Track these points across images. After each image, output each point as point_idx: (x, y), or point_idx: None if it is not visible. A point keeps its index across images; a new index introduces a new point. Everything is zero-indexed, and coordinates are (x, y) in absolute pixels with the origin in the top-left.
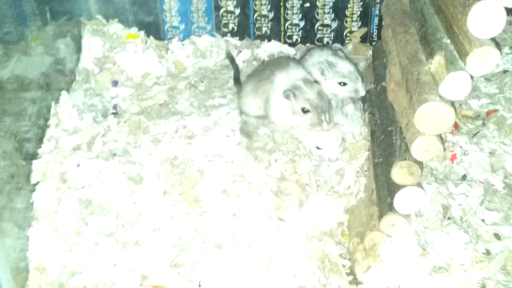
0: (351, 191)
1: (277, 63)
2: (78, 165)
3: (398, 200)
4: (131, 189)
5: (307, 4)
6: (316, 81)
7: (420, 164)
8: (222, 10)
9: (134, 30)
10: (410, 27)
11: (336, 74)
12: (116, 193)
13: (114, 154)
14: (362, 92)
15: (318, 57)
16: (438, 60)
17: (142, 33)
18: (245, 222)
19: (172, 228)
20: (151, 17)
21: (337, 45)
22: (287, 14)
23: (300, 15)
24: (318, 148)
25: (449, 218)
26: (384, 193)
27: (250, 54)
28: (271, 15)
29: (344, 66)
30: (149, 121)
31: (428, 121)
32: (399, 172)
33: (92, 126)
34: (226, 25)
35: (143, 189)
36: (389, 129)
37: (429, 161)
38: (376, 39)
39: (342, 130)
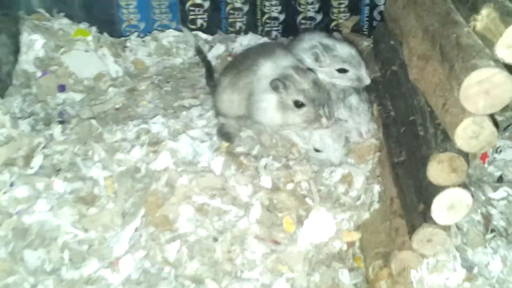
0: (362, 202)
1: (260, 50)
2: (11, 185)
3: (437, 206)
4: (81, 212)
5: None
6: (310, 69)
7: (465, 156)
8: (188, 4)
9: (84, 25)
10: None
11: (334, 59)
12: (61, 218)
13: (59, 170)
14: (367, 80)
15: (310, 41)
16: (487, 14)
17: (93, 29)
18: (229, 248)
19: (134, 260)
20: (105, 15)
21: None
22: (264, 6)
23: (280, 7)
24: (316, 150)
25: (492, 231)
26: (412, 199)
27: (224, 49)
28: (246, 7)
29: (343, 49)
30: (103, 127)
31: (478, 95)
32: (437, 169)
33: (30, 136)
34: (193, 21)
35: (96, 211)
36: (410, 118)
37: (480, 151)
38: (367, 31)
39: (345, 127)
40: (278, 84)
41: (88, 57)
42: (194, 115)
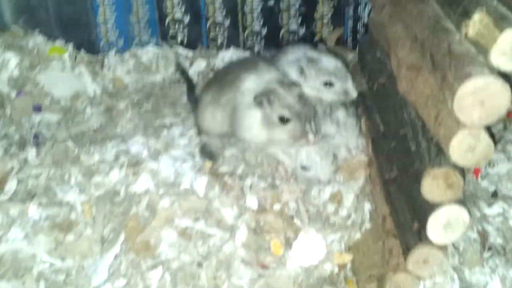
0: (353, 221)
1: (243, 64)
2: None
3: (433, 225)
4: (57, 240)
5: (270, 3)
6: (294, 83)
7: (461, 171)
8: (168, 19)
9: (60, 43)
10: None
11: (320, 72)
12: (36, 246)
13: (33, 195)
14: (354, 93)
15: (295, 54)
16: (479, 19)
17: (70, 46)
18: (215, 274)
19: None
20: (82, 32)
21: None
22: (246, 20)
23: (262, 21)
24: (304, 168)
25: (489, 249)
26: (406, 218)
27: (205, 64)
28: (227, 22)
29: (329, 62)
30: (80, 149)
31: (473, 105)
32: (432, 185)
33: (2, 160)
34: (174, 37)
35: (74, 238)
36: (401, 133)
37: (476, 165)
38: (352, 45)
39: (333, 143)
40: (262, 99)
41: (64, 76)
42: (175, 134)
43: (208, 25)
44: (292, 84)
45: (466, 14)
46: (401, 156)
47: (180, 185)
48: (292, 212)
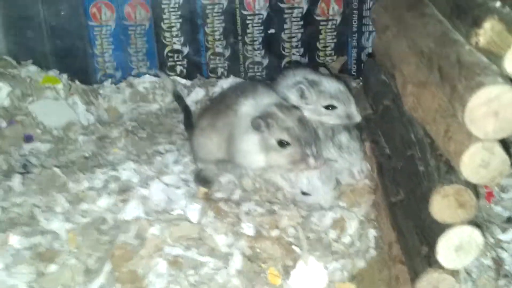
0: (357, 248)
1: (241, 88)
2: None
3: (443, 247)
4: (39, 270)
5: (271, 31)
6: (295, 107)
7: (474, 189)
8: (167, 50)
9: (54, 72)
10: (425, 7)
11: (321, 95)
12: (16, 277)
13: (15, 223)
14: (358, 117)
15: (295, 77)
16: (490, 27)
17: (64, 76)
18: None
19: None
20: (78, 63)
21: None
22: (247, 50)
23: (263, 52)
24: (304, 194)
25: (505, 276)
26: (414, 242)
27: (204, 93)
28: (227, 52)
29: (330, 84)
30: (68, 177)
31: (486, 117)
32: (442, 204)
33: None
34: (173, 68)
35: (56, 269)
36: (408, 153)
37: (490, 182)
38: (355, 74)
39: (335, 167)
40: (260, 122)
41: (57, 105)
42: (169, 160)
43: (208, 56)
44: (292, 107)
45: (476, 24)
46: (408, 178)
47: (171, 212)
48: (291, 238)
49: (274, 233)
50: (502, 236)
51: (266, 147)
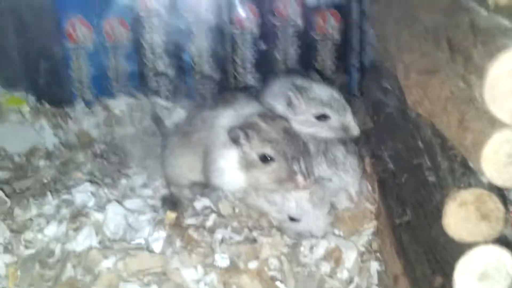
0: (356, 286)
1: (219, 98)
2: None
3: (463, 275)
4: None
5: (263, 47)
6: (280, 116)
7: (500, 194)
8: (151, 74)
9: (20, 94)
10: None
11: (311, 103)
12: None
13: None
14: (356, 129)
15: (281, 84)
16: None
17: (31, 97)
18: None
19: None
20: (50, 84)
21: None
22: (238, 73)
23: (256, 75)
24: (292, 219)
25: None
26: (425, 271)
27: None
28: (216, 75)
29: (322, 91)
30: (16, 203)
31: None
32: (459, 215)
33: None
34: (157, 92)
35: None
36: (415, 162)
37: None
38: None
39: (329, 187)
40: (238, 133)
41: (22, 129)
42: (136, 184)
43: (196, 78)
44: (277, 117)
45: None
46: (415, 191)
47: (131, 241)
48: (273, 272)
49: (253, 265)
50: None
51: (246, 164)
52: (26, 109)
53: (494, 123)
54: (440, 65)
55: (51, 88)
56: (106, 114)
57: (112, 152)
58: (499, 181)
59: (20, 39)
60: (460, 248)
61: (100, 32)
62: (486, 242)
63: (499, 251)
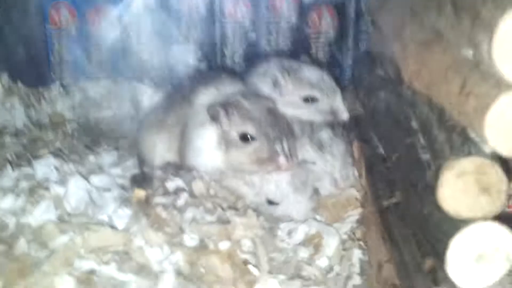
0: (336, 274)
1: (201, 76)
2: None
3: (457, 256)
4: None
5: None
6: (265, 97)
7: (503, 165)
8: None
9: None
10: None
11: (299, 84)
12: None
13: None
14: (344, 114)
15: (269, 64)
16: None
17: (3, 76)
18: None
19: None
20: (27, 64)
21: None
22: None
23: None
24: (271, 202)
25: None
26: (413, 254)
27: None
28: (203, 65)
29: (311, 73)
30: None
31: None
32: (456, 187)
33: None
34: (139, 79)
35: None
36: (407, 142)
37: None
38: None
39: (313, 171)
40: (218, 110)
41: None
42: (105, 162)
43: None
44: (260, 96)
45: None
46: (406, 172)
47: (93, 217)
48: (246, 254)
49: (224, 246)
50: None
51: (225, 143)
52: None
53: (500, 85)
54: (442, 32)
55: (28, 69)
56: (82, 96)
57: (84, 133)
58: (504, 149)
59: None
60: (455, 225)
61: (83, 16)
62: (485, 218)
63: (499, 229)
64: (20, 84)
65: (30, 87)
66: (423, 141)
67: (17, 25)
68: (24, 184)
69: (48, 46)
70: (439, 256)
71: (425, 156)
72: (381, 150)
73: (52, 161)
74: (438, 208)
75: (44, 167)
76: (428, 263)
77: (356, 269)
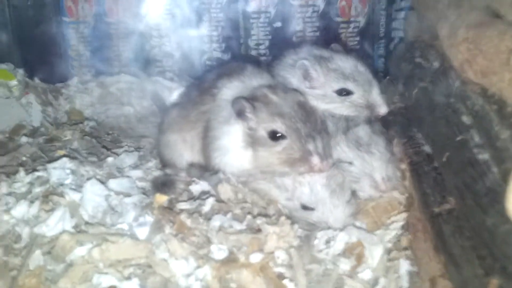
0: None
1: (224, 69)
2: None
3: None
4: None
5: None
6: (294, 90)
7: None
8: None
9: (7, 66)
10: None
11: (332, 76)
12: None
13: None
14: (383, 108)
15: (298, 54)
16: None
17: (19, 71)
18: None
19: None
20: (45, 59)
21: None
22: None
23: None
24: (305, 208)
25: None
26: (474, 270)
27: None
28: (226, 56)
29: (345, 62)
30: None
31: None
32: None
33: None
34: (162, 73)
35: None
36: (458, 139)
37: None
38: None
39: (351, 172)
40: (244, 105)
41: (7, 105)
42: (125, 163)
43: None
44: (290, 90)
45: None
46: (460, 173)
47: (112, 226)
48: (280, 268)
49: (256, 258)
50: None
51: (252, 141)
52: (13, 83)
53: None
54: (500, 12)
55: (45, 64)
56: (101, 92)
57: (104, 131)
58: None
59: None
60: None
61: (102, 9)
62: None
63: None
64: (37, 80)
65: (47, 83)
66: (478, 139)
67: (31, 18)
68: (37, 190)
69: (65, 40)
70: (508, 275)
71: (483, 156)
72: (426, 149)
73: (67, 164)
74: (506, 219)
75: (59, 170)
76: (494, 283)
77: (405, 283)
